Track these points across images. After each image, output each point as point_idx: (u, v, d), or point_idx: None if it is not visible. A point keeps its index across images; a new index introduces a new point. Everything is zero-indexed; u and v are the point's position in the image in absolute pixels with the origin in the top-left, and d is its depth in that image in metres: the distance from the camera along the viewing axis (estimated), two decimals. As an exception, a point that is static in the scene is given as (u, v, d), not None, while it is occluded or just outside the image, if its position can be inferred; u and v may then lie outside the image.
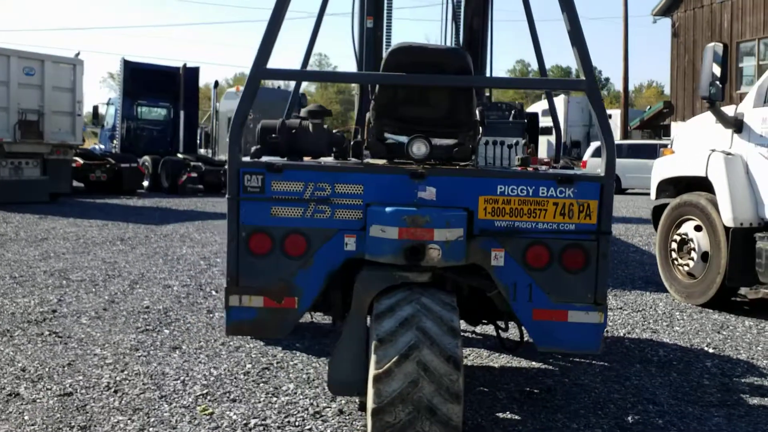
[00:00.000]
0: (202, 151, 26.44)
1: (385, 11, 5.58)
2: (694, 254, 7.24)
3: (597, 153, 22.72)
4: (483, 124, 3.86)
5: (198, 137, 26.27)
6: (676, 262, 7.53)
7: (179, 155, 22.52)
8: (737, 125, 6.81)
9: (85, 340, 5.46)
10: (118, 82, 29.99)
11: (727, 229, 6.74)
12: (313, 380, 4.70)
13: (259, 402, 4.30)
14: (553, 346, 3.70)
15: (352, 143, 3.96)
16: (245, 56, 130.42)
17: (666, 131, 28.88)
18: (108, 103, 26.07)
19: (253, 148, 3.91)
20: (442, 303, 3.36)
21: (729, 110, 6.91)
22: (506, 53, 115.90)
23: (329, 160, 4.01)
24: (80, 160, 19.61)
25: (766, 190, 6.48)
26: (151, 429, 3.88)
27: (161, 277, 7.88)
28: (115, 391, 4.42)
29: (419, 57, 3.61)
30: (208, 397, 4.36)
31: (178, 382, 4.61)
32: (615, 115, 32.21)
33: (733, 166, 6.73)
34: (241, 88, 21.30)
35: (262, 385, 4.59)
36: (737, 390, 4.77)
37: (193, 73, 24.60)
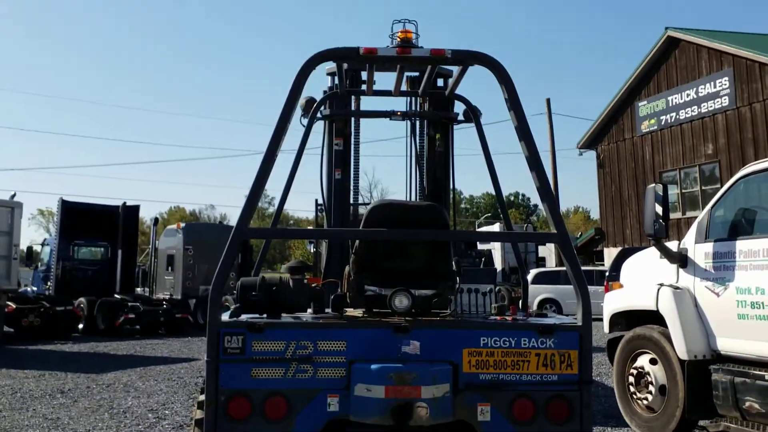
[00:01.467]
0: (139, 290, 25.78)
1: (352, 163, 5.76)
2: (651, 387, 7.32)
3: (536, 280, 23.19)
4: (459, 274, 3.94)
5: (135, 275, 25.69)
6: (634, 396, 7.58)
7: (116, 296, 21.88)
8: (682, 260, 7.11)
9: None
10: (54, 222, 29.45)
11: (682, 361, 6.88)
12: None
13: None
14: None
15: (332, 297, 3.96)
16: (183, 193, 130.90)
17: (599, 257, 29.85)
18: (43, 244, 25.43)
19: (232, 307, 3.87)
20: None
21: (673, 245, 7.23)
22: (474, 183, 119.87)
23: (307, 314, 3.99)
24: (12, 305, 18.81)
25: (716, 322, 6.70)
26: None
27: (108, 434, 7.45)
28: None
29: (398, 213, 3.72)
30: None
31: None
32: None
33: (682, 300, 6.96)
34: (183, 225, 21.16)
35: None
36: None
37: (132, 211, 24.37)
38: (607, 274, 20.15)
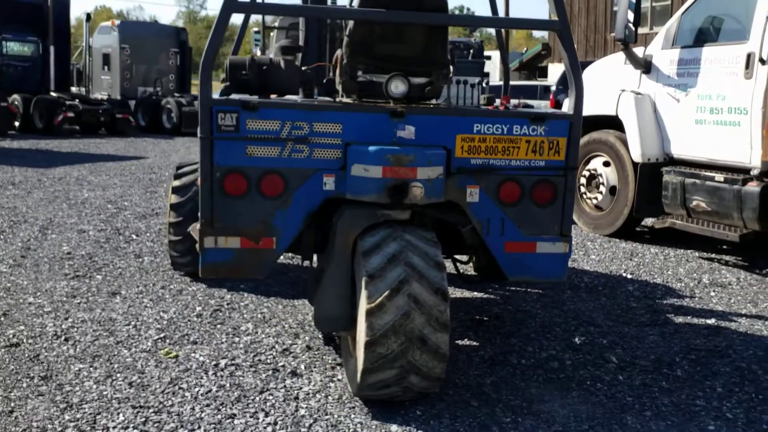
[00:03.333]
0: (74, 89, 24.82)
1: None
2: (602, 188, 7.70)
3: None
4: (453, 63, 3.91)
5: (70, 74, 24.62)
6: (584, 196, 7.97)
7: (53, 94, 21.04)
8: (646, 66, 7.22)
9: (12, 289, 5.16)
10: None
11: (635, 164, 7.21)
12: (270, 319, 4.70)
13: (222, 343, 4.26)
14: (523, 276, 3.89)
15: (324, 81, 3.90)
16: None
17: (543, 72, 29.94)
18: (-34, 37, 23.81)
19: (221, 85, 3.78)
20: (424, 239, 3.45)
21: (638, 52, 7.29)
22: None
23: (295, 98, 3.94)
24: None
25: (673, 127, 6.96)
26: (118, 375, 3.78)
27: (71, 222, 7.48)
28: (66, 339, 4.24)
29: (404, -7, 3.59)
30: (167, 341, 4.28)
31: (130, 327, 4.48)
32: (495, 56, 32.87)
33: (643, 105, 7.15)
34: (117, 23, 20.05)
35: (219, 326, 4.55)
36: (662, 311, 5.21)
37: (62, 4, 22.84)
38: (553, 88, 20.35)
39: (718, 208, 6.35)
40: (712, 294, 5.69)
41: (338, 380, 3.80)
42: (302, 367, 3.96)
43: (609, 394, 3.79)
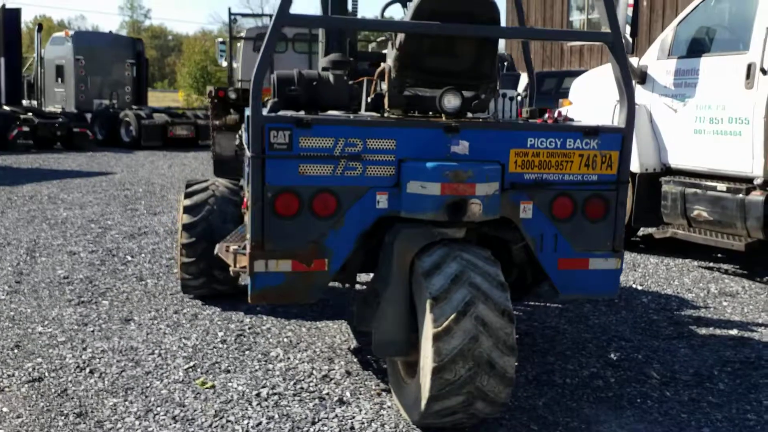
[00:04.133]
0: (25, 102, 24.00)
1: None
2: (598, 199, 7.72)
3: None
4: (499, 77, 3.83)
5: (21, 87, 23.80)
6: (579, 207, 7.98)
7: (5, 107, 20.30)
8: (641, 77, 7.29)
9: (17, 318, 4.87)
10: None
11: (633, 174, 7.25)
12: (298, 344, 4.53)
13: (257, 370, 4.09)
14: (576, 293, 3.83)
15: (372, 96, 3.77)
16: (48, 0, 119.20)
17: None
18: None
19: (269, 102, 3.62)
20: (483, 258, 3.36)
21: (633, 62, 7.36)
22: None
23: (338, 113, 3.80)
24: None
25: (670, 137, 7.03)
26: (158, 409, 3.58)
27: (58, 244, 7.16)
28: (91, 371, 4.01)
29: (452, 5, 3.50)
30: (198, 370, 4.08)
31: (155, 356, 4.27)
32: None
33: (639, 115, 7.19)
34: (71, 33, 19.53)
35: (247, 352, 4.36)
36: (683, 323, 5.22)
37: (13, 15, 22.09)
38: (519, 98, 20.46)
39: (720, 217, 6.42)
40: (725, 304, 5.73)
41: (388, 407, 3.67)
42: (347, 394, 3.81)
43: (662, 411, 3.75)
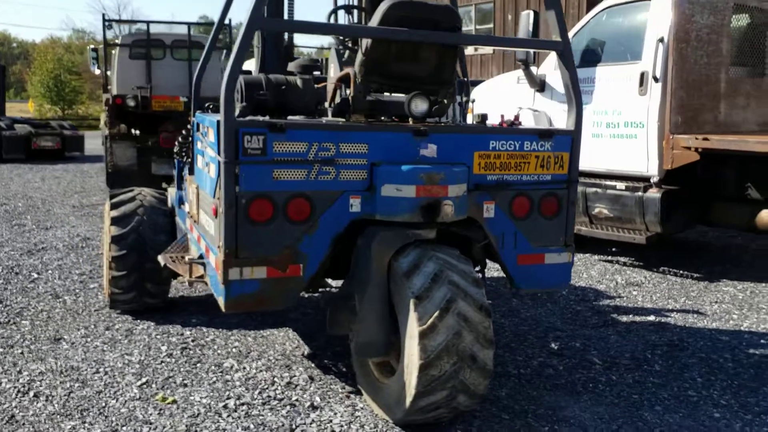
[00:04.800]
0: None
1: None
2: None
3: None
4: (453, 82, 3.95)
5: None
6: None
7: None
8: (541, 85, 7.70)
9: (-71, 345, 4.45)
10: None
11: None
12: (249, 353, 4.44)
13: (215, 382, 3.98)
14: (534, 287, 4.02)
15: (338, 100, 3.77)
16: None
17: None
18: None
19: (238, 106, 3.53)
20: (456, 257, 3.47)
21: (533, 71, 7.76)
22: None
23: (298, 118, 3.78)
24: None
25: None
26: (124, 429, 3.41)
27: (-54, 264, 6.57)
28: (36, 395, 3.75)
29: (418, 12, 3.57)
30: (153, 386, 3.91)
31: (101, 374, 4.04)
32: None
33: (540, 121, 7.61)
34: None
35: (199, 365, 4.23)
36: (604, 312, 5.57)
37: None
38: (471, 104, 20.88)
39: (620, 214, 6.91)
40: (635, 293, 6.17)
41: (362, 409, 3.69)
42: (317, 399, 3.79)
43: (614, 393, 4.01)
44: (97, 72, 17.31)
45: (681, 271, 6.92)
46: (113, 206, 4.99)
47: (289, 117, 3.69)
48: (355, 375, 3.82)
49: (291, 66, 3.86)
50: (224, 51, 16.01)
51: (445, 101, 3.84)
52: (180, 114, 8.65)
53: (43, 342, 4.54)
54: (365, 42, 3.60)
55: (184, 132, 4.52)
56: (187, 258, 4.08)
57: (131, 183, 8.94)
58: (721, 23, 6.75)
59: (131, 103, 8.37)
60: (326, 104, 3.84)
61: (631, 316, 5.48)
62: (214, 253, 3.52)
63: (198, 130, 3.87)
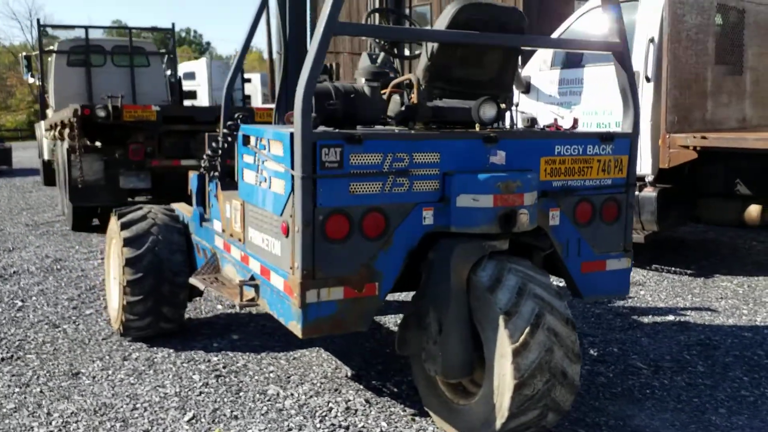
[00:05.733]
0: None
1: None
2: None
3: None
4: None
5: None
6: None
7: None
8: (526, 87, 7.68)
9: (-68, 388, 4.02)
10: None
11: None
12: (290, 377, 4.20)
13: (267, 412, 3.72)
14: (597, 295, 3.92)
15: (403, 108, 3.56)
16: None
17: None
18: None
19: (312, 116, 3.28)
20: (532, 268, 3.35)
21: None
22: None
23: (377, 128, 3.57)
24: None
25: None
26: (192, 471, 3.13)
27: None
28: (78, 440, 3.41)
29: (487, 14, 3.42)
30: (202, 420, 3.63)
31: (141, 410, 3.73)
32: (255, 79, 32.39)
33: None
34: None
35: (242, 394, 3.96)
36: (623, 314, 5.56)
37: None
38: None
39: (615, 213, 6.94)
40: (642, 292, 6.20)
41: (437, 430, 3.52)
42: (384, 424, 3.60)
43: (674, 398, 3.97)
44: (31, 80, 16.46)
45: (673, 269, 7.01)
46: (124, 226, 4.64)
47: (358, 127, 3.49)
48: (420, 396, 3.64)
49: (358, 72, 3.64)
50: (165, 57, 15.55)
51: (503, 105, 3.72)
52: (152, 124, 8.19)
53: (60, 378, 4.17)
54: (430, 46, 3.43)
55: (213, 144, 4.23)
56: (237, 280, 3.81)
57: (98, 198, 8.47)
58: (707, 23, 6.88)
59: (101, 113, 7.88)
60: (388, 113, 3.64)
61: (650, 316, 5.49)
62: (281, 275, 3.27)
63: (248, 143, 3.60)
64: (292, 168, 3.08)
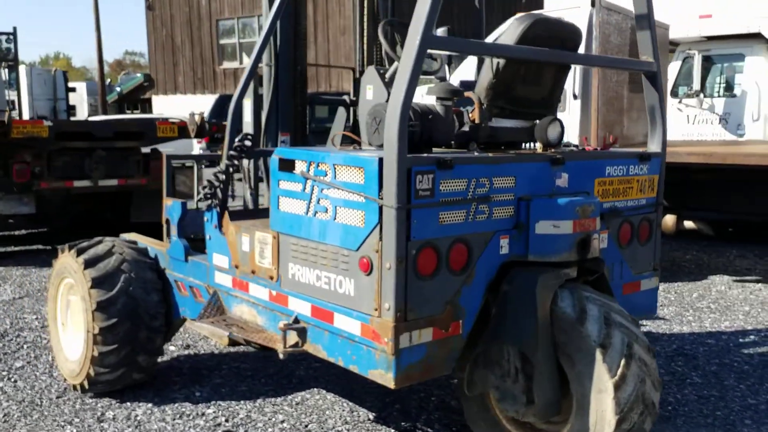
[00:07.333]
0: None
1: None
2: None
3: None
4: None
5: None
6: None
7: None
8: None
9: None
10: None
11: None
12: (306, 426, 3.77)
13: (309, 470, 3.30)
14: (635, 316, 3.86)
15: (466, 128, 3.27)
16: None
17: (150, 105, 28.57)
18: None
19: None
20: (604, 296, 3.23)
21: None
22: None
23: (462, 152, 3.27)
24: None
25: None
26: None
27: None
28: None
29: (554, 32, 3.25)
30: (240, 489, 3.14)
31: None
32: (80, 88, 30.12)
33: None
34: None
35: (267, 450, 3.49)
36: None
37: None
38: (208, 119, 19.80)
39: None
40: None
41: (501, 473, 3.28)
42: (445, 470, 3.31)
43: (698, 412, 4.02)
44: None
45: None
46: (88, 264, 3.96)
47: (434, 150, 3.18)
48: (479, 437, 3.38)
49: (430, 90, 3.30)
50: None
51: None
52: (43, 141, 7.18)
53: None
54: (495, 63, 3.21)
55: (216, 170, 3.70)
56: (259, 322, 3.34)
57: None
58: (625, 43, 7.21)
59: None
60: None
61: (659, 322, 5.62)
62: (356, 318, 2.89)
63: (291, 168, 3.14)
64: (380, 197, 2.73)
